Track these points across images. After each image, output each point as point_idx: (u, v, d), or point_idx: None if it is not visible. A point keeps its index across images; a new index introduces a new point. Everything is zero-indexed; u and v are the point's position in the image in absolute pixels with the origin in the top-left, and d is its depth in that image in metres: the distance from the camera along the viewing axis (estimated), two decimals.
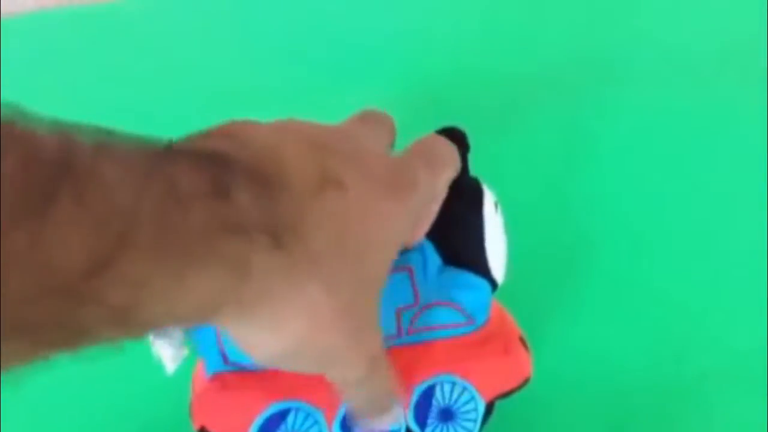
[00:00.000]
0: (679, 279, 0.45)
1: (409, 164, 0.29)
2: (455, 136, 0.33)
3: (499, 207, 0.34)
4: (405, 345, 0.33)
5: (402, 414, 0.33)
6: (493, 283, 0.34)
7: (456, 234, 0.33)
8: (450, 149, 0.31)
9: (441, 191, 0.31)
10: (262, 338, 0.26)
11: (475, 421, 0.35)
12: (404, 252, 0.32)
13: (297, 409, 0.33)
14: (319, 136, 0.27)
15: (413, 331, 0.33)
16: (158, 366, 0.29)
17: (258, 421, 0.32)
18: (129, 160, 0.21)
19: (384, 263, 0.28)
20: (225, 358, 0.32)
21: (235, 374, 0.32)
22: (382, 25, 0.64)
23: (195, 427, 0.33)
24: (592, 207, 0.49)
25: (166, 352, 0.29)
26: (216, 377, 0.32)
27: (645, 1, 0.64)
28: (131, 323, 0.21)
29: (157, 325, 0.23)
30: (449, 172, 0.31)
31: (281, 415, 0.33)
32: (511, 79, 0.57)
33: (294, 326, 0.25)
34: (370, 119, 0.31)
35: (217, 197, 0.22)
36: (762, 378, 0.40)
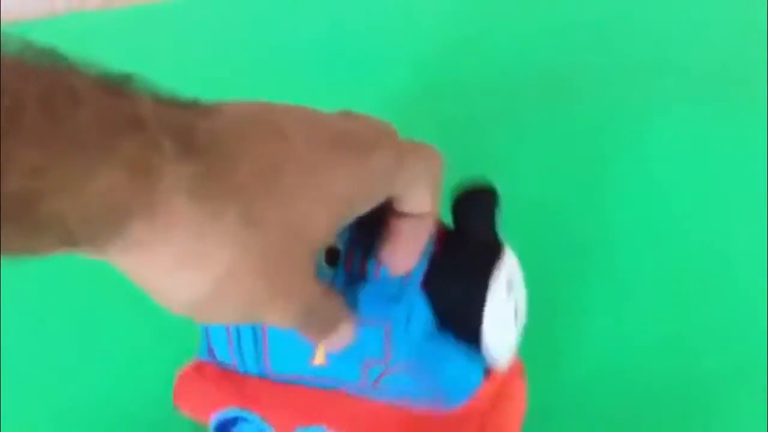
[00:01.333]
0: (683, 281, 0.45)
1: (367, 136, 0.28)
2: (483, 195, 0.31)
3: (515, 289, 0.31)
4: (365, 397, 0.32)
5: (352, 333, 0.30)
6: (486, 369, 0.31)
7: (454, 293, 0.31)
8: (429, 155, 0.30)
9: (418, 199, 0.30)
10: (176, 277, 0.24)
11: None
12: (389, 299, 0.30)
13: (247, 421, 0.33)
14: (279, 105, 0.28)
15: (377, 386, 0.31)
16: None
17: (216, 418, 0.33)
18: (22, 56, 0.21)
19: (321, 217, 0.26)
20: (211, 352, 0.33)
21: (216, 368, 0.33)
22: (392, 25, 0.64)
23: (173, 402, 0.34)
24: (595, 209, 0.49)
25: None
26: (200, 364, 0.33)
27: (644, 12, 0.65)
28: (37, 216, 0.20)
29: (69, 224, 0.21)
30: (423, 174, 0.29)
31: (233, 421, 0.33)
32: (509, 84, 0.57)
33: (213, 261, 0.24)
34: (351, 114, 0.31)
35: (114, 94, 0.22)
36: (763, 379, 0.40)
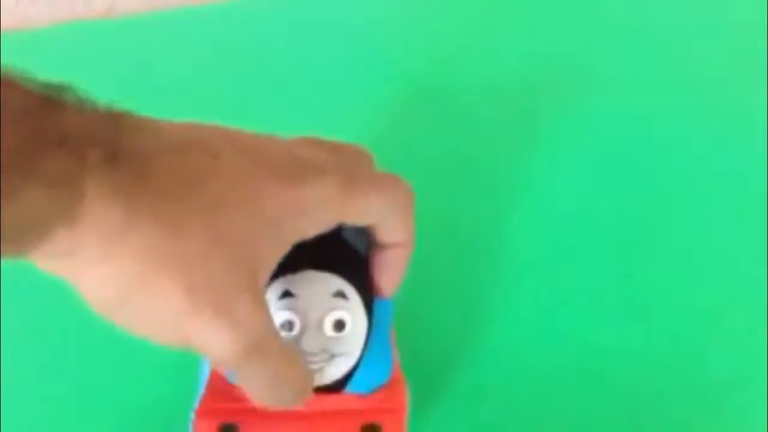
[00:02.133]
0: (687, 282, 0.46)
1: (311, 163, 0.28)
2: None
3: (299, 308, 0.31)
4: None
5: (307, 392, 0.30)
6: None
7: None
8: (391, 186, 0.31)
9: (390, 229, 0.31)
10: (93, 276, 0.24)
11: None
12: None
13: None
14: (220, 127, 0.28)
15: None
16: None
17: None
18: None
19: (256, 230, 0.26)
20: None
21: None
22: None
23: None
24: (597, 212, 0.49)
25: None
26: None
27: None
28: None
29: None
30: (388, 205, 0.30)
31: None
32: (504, 86, 0.57)
33: (128, 261, 0.24)
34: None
35: (43, 107, 0.22)
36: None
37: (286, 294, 0.31)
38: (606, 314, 0.44)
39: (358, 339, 0.32)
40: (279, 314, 0.31)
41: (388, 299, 0.35)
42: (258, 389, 0.29)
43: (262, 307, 0.27)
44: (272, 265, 0.28)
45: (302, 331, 0.31)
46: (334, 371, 0.32)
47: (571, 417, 0.40)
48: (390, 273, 0.33)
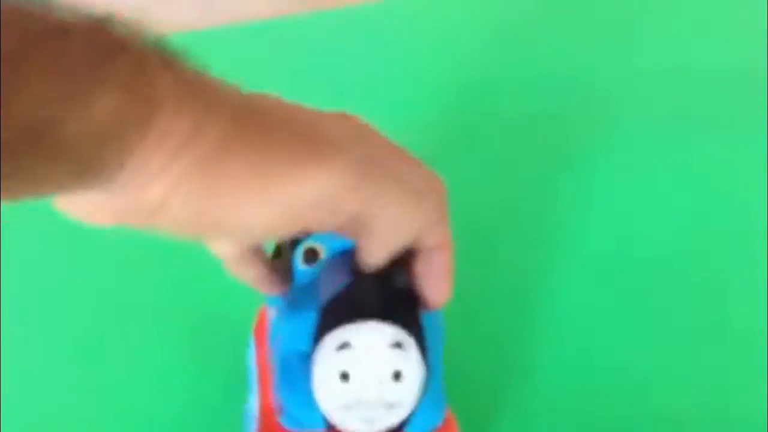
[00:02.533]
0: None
1: (329, 141, 0.27)
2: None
3: (354, 361, 0.30)
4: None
5: None
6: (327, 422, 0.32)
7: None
8: (423, 182, 0.29)
9: (428, 236, 0.30)
10: (164, 193, 0.25)
11: None
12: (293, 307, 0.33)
13: None
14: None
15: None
16: None
17: None
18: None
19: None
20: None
21: None
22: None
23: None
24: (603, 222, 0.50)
25: None
26: None
27: (641, 27, 0.65)
28: (49, 144, 0.22)
29: (80, 147, 0.23)
30: (413, 203, 0.29)
31: None
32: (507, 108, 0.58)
33: (194, 167, 0.25)
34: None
35: (96, 27, 0.23)
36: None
37: (345, 345, 0.31)
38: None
39: (414, 387, 0.32)
40: (336, 365, 0.31)
41: (440, 337, 0.35)
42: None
43: None
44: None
45: (360, 383, 0.31)
46: (392, 418, 0.32)
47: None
48: (434, 279, 0.32)
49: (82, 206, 0.28)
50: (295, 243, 0.38)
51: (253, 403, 0.37)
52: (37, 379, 0.43)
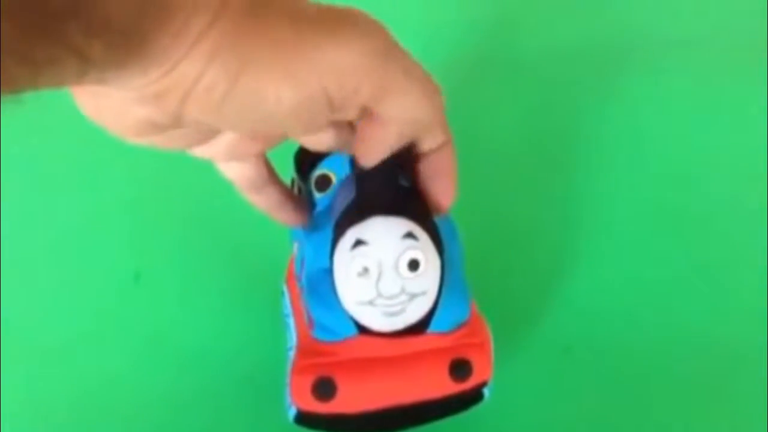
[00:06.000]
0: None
1: (357, 20, 0.28)
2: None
3: (371, 253, 0.32)
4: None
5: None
6: (357, 324, 0.33)
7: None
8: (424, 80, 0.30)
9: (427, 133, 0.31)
10: (196, 79, 0.25)
11: None
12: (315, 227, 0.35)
13: None
14: None
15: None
16: None
17: None
18: None
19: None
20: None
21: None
22: None
23: None
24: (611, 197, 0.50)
25: None
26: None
27: None
28: (95, 14, 0.22)
29: (120, 19, 0.22)
30: (420, 95, 0.29)
31: None
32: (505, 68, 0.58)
33: (222, 52, 0.25)
34: None
35: None
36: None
37: (358, 243, 0.32)
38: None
39: (434, 276, 0.33)
40: (354, 262, 0.32)
41: (455, 236, 0.36)
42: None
43: None
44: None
45: (379, 276, 0.32)
46: (416, 311, 0.33)
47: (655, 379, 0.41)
48: (441, 179, 0.33)
49: (112, 108, 0.27)
50: (306, 175, 0.39)
51: (292, 341, 0.39)
52: (73, 312, 0.45)
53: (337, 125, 0.32)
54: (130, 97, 0.26)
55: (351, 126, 0.33)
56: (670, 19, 0.61)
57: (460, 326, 0.35)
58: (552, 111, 0.55)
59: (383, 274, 0.32)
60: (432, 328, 0.34)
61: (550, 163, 0.52)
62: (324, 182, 0.38)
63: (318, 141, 0.33)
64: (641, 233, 0.48)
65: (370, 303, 0.32)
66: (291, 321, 0.39)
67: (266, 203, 0.35)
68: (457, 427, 0.37)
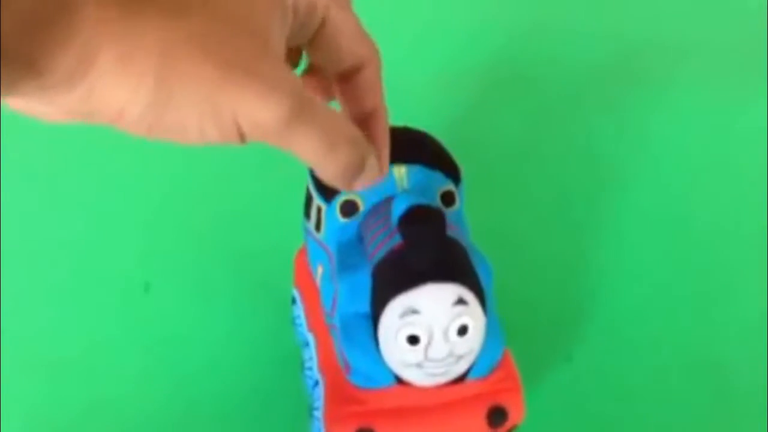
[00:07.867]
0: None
1: None
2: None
3: (422, 323, 0.31)
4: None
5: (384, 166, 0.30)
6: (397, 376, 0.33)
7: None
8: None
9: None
10: (116, 93, 0.23)
11: None
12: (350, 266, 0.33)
13: None
14: None
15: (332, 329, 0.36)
16: None
17: None
18: None
19: (258, 12, 0.25)
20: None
21: None
22: None
23: None
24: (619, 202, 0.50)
25: None
26: None
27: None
28: None
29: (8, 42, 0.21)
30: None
31: None
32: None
33: (142, 62, 0.23)
34: None
35: None
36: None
37: (409, 311, 0.31)
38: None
39: (479, 336, 0.33)
40: (403, 330, 0.31)
41: (489, 276, 0.35)
42: (317, 150, 0.26)
43: (292, 69, 0.26)
44: (282, 40, 0.26)
45: (428, 343, 0.32)
46: (460, 369, 0.33)
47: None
48: (372, 97, 0.31)
49: (33, 106, 0.25)
50: (330, 200, 0.38)
51: (312, 361, 0.38)
52: (83, 322, 0.44)
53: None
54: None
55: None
56: (677, 26, 0.61)
57: (495, 367, 0.35)
58: (555, 120, 0.55)
59: (432, 342, 0.32)
60: (471, 375, 0.34)
61: (550, 168, 0.52)
62: (350, 208, 0.37)
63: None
64: (646, 243, 0.48)
65: (417, 366, 0.32)
66: (311, 339, 0.39)
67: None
68: None
